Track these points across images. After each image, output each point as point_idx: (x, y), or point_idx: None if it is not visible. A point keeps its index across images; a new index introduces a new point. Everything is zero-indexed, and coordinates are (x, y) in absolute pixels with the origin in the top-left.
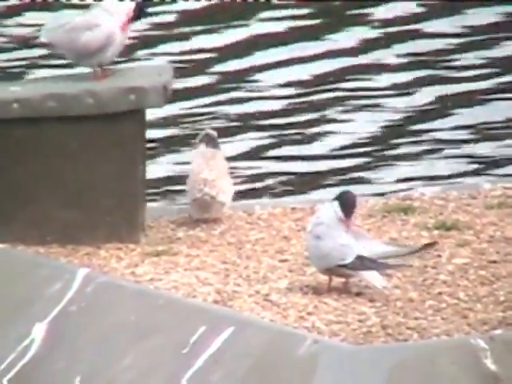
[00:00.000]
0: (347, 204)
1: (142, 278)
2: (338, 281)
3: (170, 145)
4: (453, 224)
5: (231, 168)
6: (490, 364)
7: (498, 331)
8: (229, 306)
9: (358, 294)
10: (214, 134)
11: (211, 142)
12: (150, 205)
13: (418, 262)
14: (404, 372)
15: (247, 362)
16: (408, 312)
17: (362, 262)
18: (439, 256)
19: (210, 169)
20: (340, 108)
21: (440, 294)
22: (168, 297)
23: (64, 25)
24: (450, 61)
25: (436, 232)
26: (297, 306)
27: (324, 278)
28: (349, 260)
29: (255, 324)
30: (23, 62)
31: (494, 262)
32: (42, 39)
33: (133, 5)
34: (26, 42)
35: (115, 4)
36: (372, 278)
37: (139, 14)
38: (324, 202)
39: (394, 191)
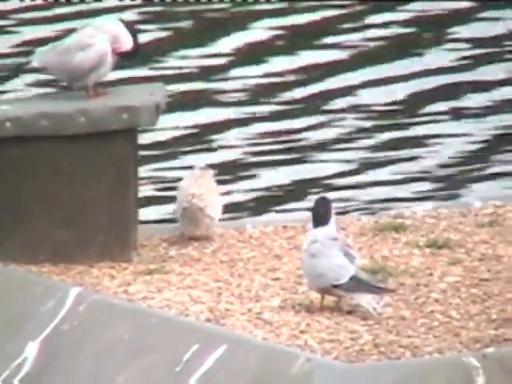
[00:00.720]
0: (315, 212)
1: (134, 296)
2: (330, 299)
3: None
4: (444, 242)
5: None
6: (482, 382)
7: (491, 349)
8: (221, 324)
9: (350, 313)
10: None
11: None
12: (142, 224)
13: (410, 281)
14: None
15: (240, 381)
16: (400, 330)
17: (357, 284)
18: (431, 274)
19: (199, 185)
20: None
21: (432, 312)
22: (161, 315)
23: (55, 47)
24: None
25: (427, 250)
26: (289, 324)
27: (316, 296)
28: (343, 280)
29: (248, 342)
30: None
31: (486, 280)
32: (35, 64)
33: (123, 33)
34: (18, 69)
35: (107, 24)
36: (364, 300)
37: (133, 52)
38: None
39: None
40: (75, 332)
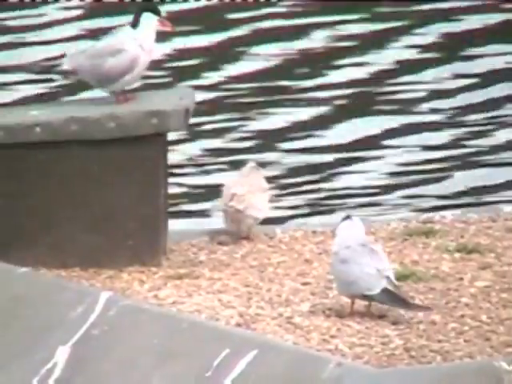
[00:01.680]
0: None
1: (164, 301)
2: (360, 304)
3: None
4: (474, 247)
5: None
6: None
7: None
8: (252, 328)
9: (381, 317)
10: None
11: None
12: (171, 228)
13: (440, 285)
14: None
15: None
16: (431, 335)
17: (388, 297)
18: (461, 279)
19: (242, 184)
20: None
21: (462, 316)
22: (191, 320)
23: (86, 50)
24: None
25: (457, 255)
26: (320, 329)
27: (346, 300)
28: (375, 292)
29: (279, 347)
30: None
31: None
32: (65, 67)
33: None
34: (49, 71)
35: (138, 29)
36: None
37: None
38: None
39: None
40: (105, 337)
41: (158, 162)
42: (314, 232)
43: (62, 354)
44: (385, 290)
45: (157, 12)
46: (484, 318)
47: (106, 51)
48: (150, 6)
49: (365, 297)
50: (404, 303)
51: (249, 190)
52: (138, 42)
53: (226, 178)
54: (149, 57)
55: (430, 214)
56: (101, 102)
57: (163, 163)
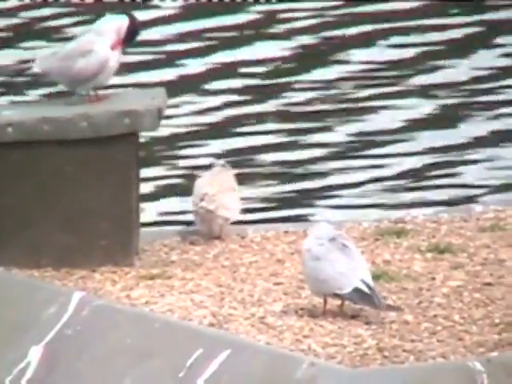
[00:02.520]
0: None
1: (137, 301)
2: (333, 303)
3: None
4: (446, 247)
5: None
6: None
7: (495, 353)
8: (224, 328)
9: (354, 317)
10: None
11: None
12: (143, 228)
13: (412, 285)
14: None
15: None
16: (404, 334)
17: (360, 296)
18: (433, 279)
19: (212, 184)
20: None
21: (435, 316)
22: (164, 320)
23: (56, 53)
24: None
25: (429, 255)
26: (292, 329)
27: (319, 300)
28: (346, 291)
29: (252, 347)
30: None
31: (489, 284)
32: (36, 69)
33: (124, 22)
34: (20, 74)
35: (105, 24)
36: None
37: (132, 36)
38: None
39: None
40: (78, 337)
41: (131, 161)
42: (286, 232)
43: (34, 354)
44: (356, 290)
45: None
46: (457, 317)
47: (76, 53)
48: (127, 11)
49: (336, 296)
50: (375, 303)
51: (219, 189)
52: (105, 42)
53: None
54: (119, 57)
55: (402, 214)
56: (73, 102)
57: (136, 163)
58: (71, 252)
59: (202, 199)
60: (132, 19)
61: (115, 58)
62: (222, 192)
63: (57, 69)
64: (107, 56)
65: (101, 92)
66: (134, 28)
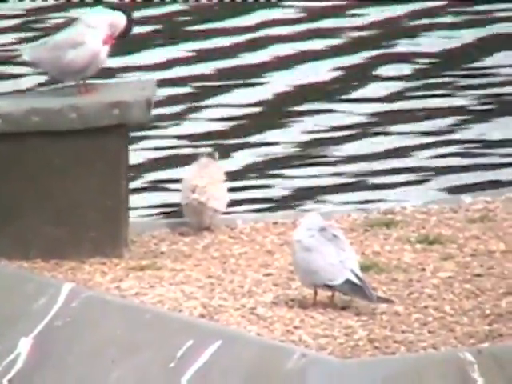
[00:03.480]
0: None
1: (127, 292)
2: (323, 295)
3: None
4: (435, 238)
5: None
6: (477, 377)
7: (485, 344)
8: (215, 319)
9: (344, 308)
10: (214, 154)
11: (210, 156)
12: (132, 219)
13: (402, 276)
14: None
15: (235, 376)
16: (395, 325)
17: (351, 287)
18: (423, 270)
19: (202, 176)
20: None
21: (426, 307)
22: (154, 311)
23: (46, 42)
24: None
25: (419, 246)
26: (283, 320)
27: (309, 291)
28: (338, 282)
29: (243, 338)
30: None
31: (479, 275)
32: (25, 58)
33: (119, 19)
34: (10, 61)
35: (97, 17)
36: None
37: (127, 33)
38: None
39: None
40: (68, 328)
41: (120, 153)
42: (275, 223)
43: (24, 346)
44: (347, 281)
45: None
46: (447, 308)
47: (67, 44)
48: (124, 8)
49: (327, 287)
50: (366, 295)
51: (209, 181)
52: (97, 34)
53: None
54: (107, 48)
55: (391, 205)
56: (62, 93)
57: (125, 154)
58: (60, 243)
59: (192, 191)
60: (129, 17)
61: (105, 52)
62: (211, 183)
63: (46, 59)
64: (98, 49)
65: (90, 83)
66: (131, 26)
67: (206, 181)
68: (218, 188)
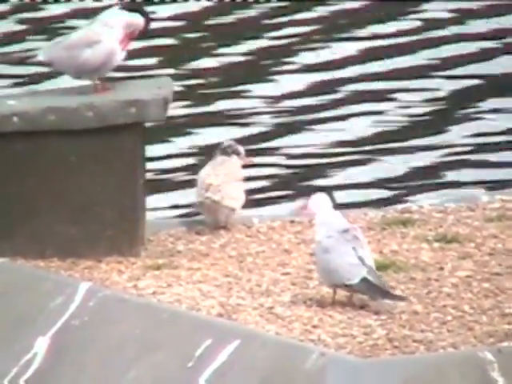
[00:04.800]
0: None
1: (144, 291)
2: (341, 294)
3: None
4: (453, 237)
5: None
6: (497, 377)
7: (505, 344)
8: (233, 319)
9: (363, 307)
10: (232, 144)
11: (227, 151)
12: (148, 218)
13: (420, 275)
14: None
15: (254, 376)
16: (414, 325)
17: (368, 287)
18: (441, 269)
19: (216, 174)
20: None
21: (444, 306)
22: (172, 310)
23: (61, 41)
24: None
25: (437, 245)
26: (301, 319)
27: (327, 290)
28: (355, 281)
29: (261, 337)
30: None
31: (497, 274)
32: (41, 58)
33: (137, 20)
34: (24, 62)
35: (114, 17)
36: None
37: (143, 34)
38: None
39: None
40: (85, 327)
41: (136, 151)
42: (292, 222)
43: (41, 345)
44: (364, 280)
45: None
46: (466, 308)
47: (83, 43)
48: (140, 8)
49: (345, 286)
50: (382, 293)
51: (224, 179)
52: (114, 34)
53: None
54: (124, 48)
55: (407, 204)
56: (79, 92)
57: (141, 153)
58: (77, 242)
59: (206, 189)
60: (147, 19)
61: (122, 51)
62: (226, 182)
63: (62, 58)
64: (114, 48)
65: (106, 82)
66: (148, 26)
67: (221, 179)
68: (234, 186)
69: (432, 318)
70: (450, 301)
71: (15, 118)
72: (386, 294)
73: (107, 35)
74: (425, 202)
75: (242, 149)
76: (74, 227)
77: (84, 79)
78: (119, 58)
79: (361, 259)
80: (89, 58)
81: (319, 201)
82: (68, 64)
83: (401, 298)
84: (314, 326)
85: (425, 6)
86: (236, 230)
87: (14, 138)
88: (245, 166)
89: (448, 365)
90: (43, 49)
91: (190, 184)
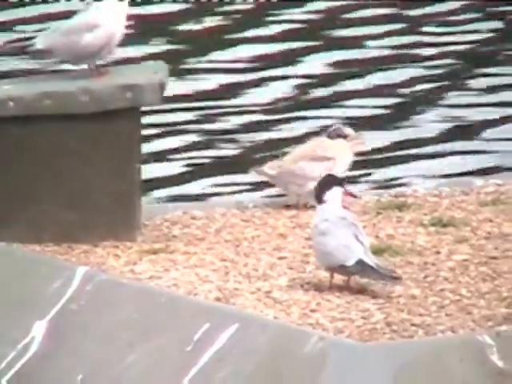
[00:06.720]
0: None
1: (141, 275)
2: (339, 278)
3: None
4: (449, 221)
5: None
6: (496, 360)
7: (504, 327)
8: (231, 303)
9: (360, 291)
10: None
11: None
12: (143, 203)
13: (417, 259)
14: (412, 369)
15: (253, 359)
16: (412, 309)
17: (363, 268)
18: (438, 253)
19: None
20: None
21: (442, 290)
22: (170, 294)
23: (58, 29)
24: None
25: (432, 229)
26: (299, 303)
27: (325, 275)
28: (350, 263)
29: (260, 321)
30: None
31: (494, 258)
32: (39, 46)
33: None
34: (21, 51)
35: (113, 2)
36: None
37: None
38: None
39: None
40: (83, 312)
41: (133, 136)
42: (287, 206)
43: (39, 329)
44: (359, 262)
45: None
46: (464, 291)
47: (82, 28)
48: None
49: (341, 267)
50: (378, 274)
51: (297, 157)
52: (111, 16)
53: None
54: (123, 30)
55: (402, 188)
56: (75, 77)
57: (137, 137)
58: (73, 227)
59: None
60: None
61: (121, 31)
62: (300, 160)
63: (61, 45)
64: (114, 31)
65: (103, 66)
66: None
67: (295, 156)
68: (306, 165)
69: (430, 302)
70: (448, 285)
71: (11, 103)
72: (382, 275)
73: (106, 18)
74: (419, 186)
75: (349, 131)
76: (71, 212)
77: (82, 64)
78: (118, 39)
79: (358, 242)
80: (90, 42)
81: (334, 195)
82: (68, 50)
83: (396, 279)
84: (312, 310)
85: None
86: (231, 215)
87: (10, 122)
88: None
89: (447, 348)
90: (40, 37)
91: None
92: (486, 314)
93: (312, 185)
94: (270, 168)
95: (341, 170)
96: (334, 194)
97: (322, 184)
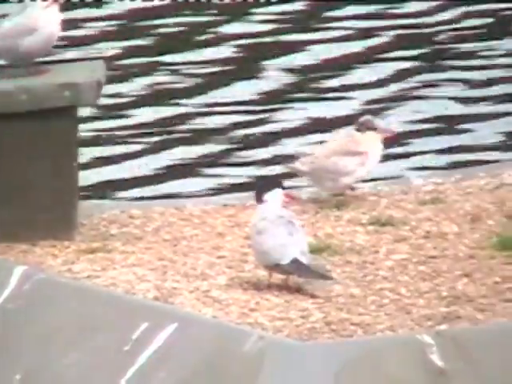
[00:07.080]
0: (257, 188)
1: (79, 275)
2: (277, 277)
3: None
4: (387, 220)
5: None
6: (436, 360)
7: (443, 326)
8: (169, 302)
9: (299, 290)
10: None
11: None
12: (80, 202)
13: (356, 258)
14: (352, 368)
15: (192, 359)
16: (351, 308)
17: (297, 267)
18: (377, 252)
19: (326, 146)
20: None
21: (381, 289)
22: (109, 293)
23: None
24: None
25: (371, 228)
26: (238, 303)
27: (263, 274)
28: (285, 262)
29: (199, 320)
30: None
31: (433, 257)
32: None
33: None
34: None
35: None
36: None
37: None
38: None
39: None
40: (21, 312)
41: (71, 134)
42: (225, 205)
43: None
44: (294, 261)
45: None
46: (403, 291)
47: (21, 30)
48: None
49: (277, 266)
50: (312, 273)
51: (329, 152)
52: (49, 15)
53: None
54: (59, 27)
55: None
56: (12, 75)
57: (75, 136)
58: (11, 226)
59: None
60: None
61: (58, 31)
62: (333, 155)
63: (0, 47)
64: (53, 31)
65: (40, 65)
66: None
67: (327, 150)
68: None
69: (369, 301)
70: (387, 284)
71: None
72: (316, 274)
73: (45, 19)
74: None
75: (378, 122)
76: (9, 211)
77: (21, 64)
78: (55, 41)
79: (294, 241)
80: (30, 45)
81: (274, 195)
82: (7, 52)
83: (329, 278)
84: (251, 310)
85: None
86: (169, 214)
87: None
88: (387, 140)
89: (387, 348)
90: None
91: None
92: (426, 314)
93: (346, 180)
94: (302, 164)
95: (373, 163)
96: (274, 195)
97: (262, 185)
